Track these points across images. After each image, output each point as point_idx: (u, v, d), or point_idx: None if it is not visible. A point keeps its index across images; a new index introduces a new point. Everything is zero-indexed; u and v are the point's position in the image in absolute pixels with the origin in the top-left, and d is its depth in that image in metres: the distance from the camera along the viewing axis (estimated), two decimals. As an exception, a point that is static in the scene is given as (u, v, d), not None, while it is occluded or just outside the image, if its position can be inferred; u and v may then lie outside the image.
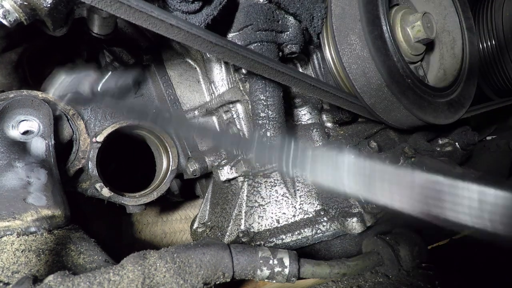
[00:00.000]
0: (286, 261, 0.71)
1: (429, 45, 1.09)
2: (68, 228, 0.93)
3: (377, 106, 0.96)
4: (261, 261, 0.71)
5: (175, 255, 0.70)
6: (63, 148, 1.12)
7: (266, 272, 0.70)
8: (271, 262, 0.70)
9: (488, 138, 1.73)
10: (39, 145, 0.98)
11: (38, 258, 0.77)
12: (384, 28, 0.89)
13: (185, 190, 1.42)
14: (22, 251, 0.78)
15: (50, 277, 0.61)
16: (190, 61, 1.30)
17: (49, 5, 0.68)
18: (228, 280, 0.71)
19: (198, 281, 0.67)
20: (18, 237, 0.82)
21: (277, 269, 0.70)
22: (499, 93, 1.40)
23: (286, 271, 0.70)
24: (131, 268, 0.66)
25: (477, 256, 0.95)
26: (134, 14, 0.66)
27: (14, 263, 0.75)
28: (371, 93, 0.94)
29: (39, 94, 1.10)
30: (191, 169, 1.23)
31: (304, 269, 0.72)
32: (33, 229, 0.85)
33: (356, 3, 0.86)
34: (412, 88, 0.94)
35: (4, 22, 0.69)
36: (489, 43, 1.26)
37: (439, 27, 1.09)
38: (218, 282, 0.70)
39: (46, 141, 0.98)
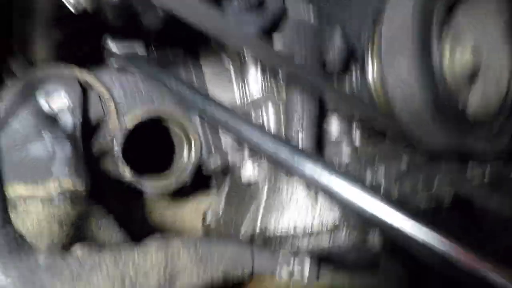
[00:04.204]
0: (307, 262, 0.72)
1: (474, 76, 1.09)
2: (89, 203, 0.94)
3: (414, 130, 0.97)
4: (281, 260, 0.72)
5: (197, 245, 0.70)
6: (92, 127, 1.14)
7: (286, 271, 0.71)
8: (291, 261, 0.71)
9: None
10: (68, 121, 1.02)
11: (61, 228, 0.78)
12: (435, 57, 0.91)
13: (199, 181, 1.41)
14: (45, 220, 0.79)
15: (78, 248, 0.61)
16: (226, 60, 1.32)
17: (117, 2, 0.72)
18: (247, 276, 0.71)
19: (218, 273, 0.68)
20: (41, 204, 0.83)
21: (297, 268, 0.70)
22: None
23: (306, 271, 0.70)
24: (155, 253, 0.66)
25: None
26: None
27: (38, 231, 0.76)
28: (410, 117, 0.94)
29: (78, 72, 1.13)
30: (212, 166, 1.23)
31: (324, 273, 0.73)
32: (55, 198, 0.86)
33: (409, 28, 0.88)
34: (453, 119, 0.95)
35: (73, 10, 0.73)
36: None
37: (488, 59, 1.10)
38: (237, 276, 0.70)
39: (75, 118, 1.01)
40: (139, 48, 1.12)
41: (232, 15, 0.87)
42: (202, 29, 0.71)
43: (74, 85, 1.06)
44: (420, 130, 0.95)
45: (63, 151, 0.96)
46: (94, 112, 1.15)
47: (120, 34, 1.17)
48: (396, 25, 0.91)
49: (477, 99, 1.09)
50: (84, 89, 1.10)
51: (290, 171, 0.70)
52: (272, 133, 0.76)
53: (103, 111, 1.17)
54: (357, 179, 0.62)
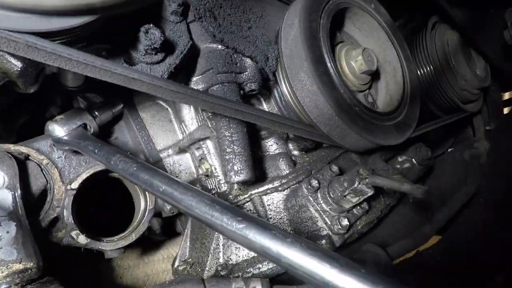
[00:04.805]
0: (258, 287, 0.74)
1: (375, 75, 1.23)
2: (42, 281, 0.91)
3: (332, 133, 1.06)
4: (233, 289, 0.74)
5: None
6: (37, 198, 1.12)
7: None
8: (242, 288, 0.74)
9: (450, 150, 1.87)
10: (6, 197, 0.97)
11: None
12: (329, 64, 1.02)
13: (167, 228, 1.42)
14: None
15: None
16: (161, 102, 1.37)
17: (19, 69, 0.73)
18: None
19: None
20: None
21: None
22: (445, 111, 1.56)
23: (257, 296, 0.73)
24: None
25: (441, 268, 1.00)
26: (100, 72, 0.73)
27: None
28: (325, 122, 1.04)
29: (11, 146, 1.12)
30: (168, 207, 1.25)
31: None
32: (4, 286, 0.83)
33: (301, 44, 0.98)
34: (360, 115, 1.05)
35: None
36: (427, 69, 1.43)
37: (381, 58, 1.24)
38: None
39: (12, 193, 0.98)
40: (81, 119, 1.08)
41: (138, 62, 0.91)
42: (115, 82, 0.74)
43: (7, 160, 1.03)
44: (335, 131, 1.05)
45: (7, 232, 0.93)
46: (36, 183, 1.13)
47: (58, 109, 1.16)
48: (290, 43, 1.01)
49: (382, 93, 1.21)
50: (21, 161, 1.08)
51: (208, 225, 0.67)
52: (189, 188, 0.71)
53: (46, 179, 1.15)
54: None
